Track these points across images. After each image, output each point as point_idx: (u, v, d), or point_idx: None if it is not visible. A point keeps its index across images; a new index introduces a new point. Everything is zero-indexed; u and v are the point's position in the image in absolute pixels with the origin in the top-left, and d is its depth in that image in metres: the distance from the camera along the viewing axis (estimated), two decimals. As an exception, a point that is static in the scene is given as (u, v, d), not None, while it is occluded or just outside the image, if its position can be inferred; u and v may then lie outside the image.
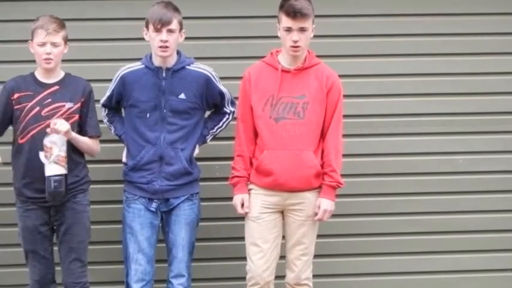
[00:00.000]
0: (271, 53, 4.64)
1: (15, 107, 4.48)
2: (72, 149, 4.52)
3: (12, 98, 4.48)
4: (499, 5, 5.28)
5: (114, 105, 4.72)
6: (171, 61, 4.59)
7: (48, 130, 4.35)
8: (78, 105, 4.52)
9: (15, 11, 5.08)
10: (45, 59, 4.44)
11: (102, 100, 4.73)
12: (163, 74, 4.57)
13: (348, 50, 5.23)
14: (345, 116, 4.66)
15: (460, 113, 5.31)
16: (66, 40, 4.52)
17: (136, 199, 4.62)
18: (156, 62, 4.59)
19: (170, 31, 4.49)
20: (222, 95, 4.70)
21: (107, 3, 5.13)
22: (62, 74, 4.57)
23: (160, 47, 4.49)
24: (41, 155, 4.40)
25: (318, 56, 4.63)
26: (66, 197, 4.44)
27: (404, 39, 5.27)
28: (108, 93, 4.69)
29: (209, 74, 4.65)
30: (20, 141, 4.48)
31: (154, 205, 4.61)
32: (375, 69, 5.27)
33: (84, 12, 5.10)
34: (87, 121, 4.55)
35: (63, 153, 4.36)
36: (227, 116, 4.78)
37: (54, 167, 4.34)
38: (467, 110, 5.30)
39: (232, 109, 4.78)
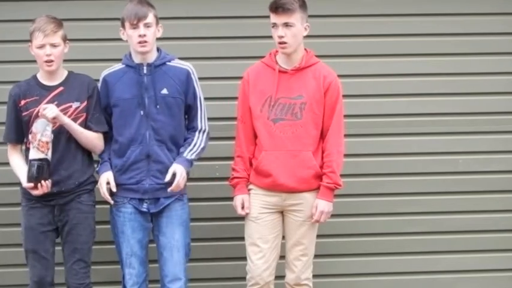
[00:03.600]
0: (270, 54, 4.63)
1: (23, 114, 4.45)
2: (83, 149, 4.51)
3: (20, 105, 4.46)
4: (500, 5, 5.28)
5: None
6: (152, 57, 4.55)
7: (40, 114, 4.33)
8: (85, 103, 4.49)
9: (16, 11, 5.07)
10: (46, 61, 4.41)
11: None
12: (145, 70, 4.54)
13: (347, 50, 5.22)
14: (345, 116, 4.64)
15: (461, 113, 5.30)
16: (66, 39, 4.49)
17: (126, 202, 4.57)
18: (137, 59, 4.55)
19: (147, 25, 4.46)
20: (195, 96, 4.60)
21: (106, 3, 5.12)
22: (65, 74, 4.54)
23: (139, 42, 4.46)
24: (30, 137, 4.38)
25: (317, 56, 4.62)
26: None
27: (404, 39, 5.26)
28: None
29: (189, 70, 4.61)
30: (29, 146, 4.42)
31: (145, 205, 4.56)
32: (374, 69, 5.26)
33: (80, 13, 5.09)
34: (89, 117, 4.50)
35: (44, 139, 4.31)
36: (197, 135, 4.60)
37: (33, 152, 4.32)
38: (467, 110, 5.30)
39: (204, 127, 4.63)
